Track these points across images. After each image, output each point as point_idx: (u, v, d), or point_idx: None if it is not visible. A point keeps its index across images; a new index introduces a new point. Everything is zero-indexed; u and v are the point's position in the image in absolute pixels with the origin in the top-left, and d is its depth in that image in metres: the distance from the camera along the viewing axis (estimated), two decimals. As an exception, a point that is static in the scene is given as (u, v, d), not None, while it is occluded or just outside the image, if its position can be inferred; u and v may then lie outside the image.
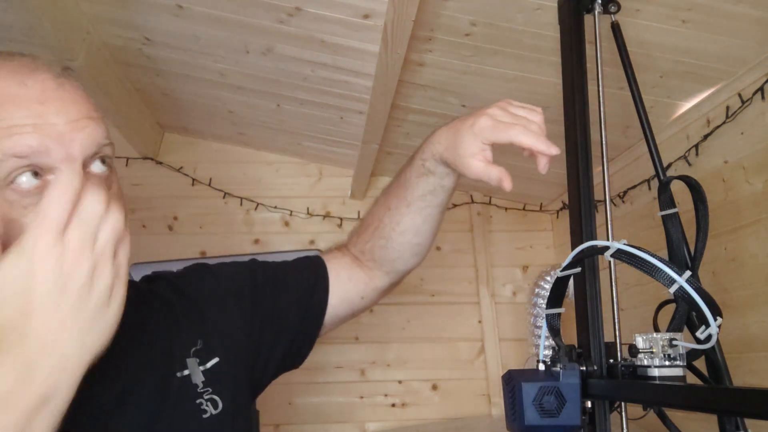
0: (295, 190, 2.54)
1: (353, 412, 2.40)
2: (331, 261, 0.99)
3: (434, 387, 2.44)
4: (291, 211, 2.50)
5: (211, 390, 0.78)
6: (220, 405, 0.78)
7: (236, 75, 1.91)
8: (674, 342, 0.65)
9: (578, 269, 0.73)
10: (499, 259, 2.53)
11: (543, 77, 1.57)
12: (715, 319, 0.58)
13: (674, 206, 0.83)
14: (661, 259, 0.60)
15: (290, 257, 1.02)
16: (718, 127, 1.46)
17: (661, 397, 0.62)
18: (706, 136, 1.51)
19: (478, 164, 0.82)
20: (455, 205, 2.53)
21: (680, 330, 0.74)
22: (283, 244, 2.45)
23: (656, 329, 0.77)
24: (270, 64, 1.79)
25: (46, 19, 1.50)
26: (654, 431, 0.83)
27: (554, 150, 0.77)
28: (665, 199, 0.82)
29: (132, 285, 0.79)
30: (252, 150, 2.56)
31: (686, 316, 0.74)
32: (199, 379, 0.78)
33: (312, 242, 2.48)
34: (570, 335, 0.75)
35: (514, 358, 2.44)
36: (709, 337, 0.59)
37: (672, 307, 0.76)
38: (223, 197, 2.49)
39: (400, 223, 0.94)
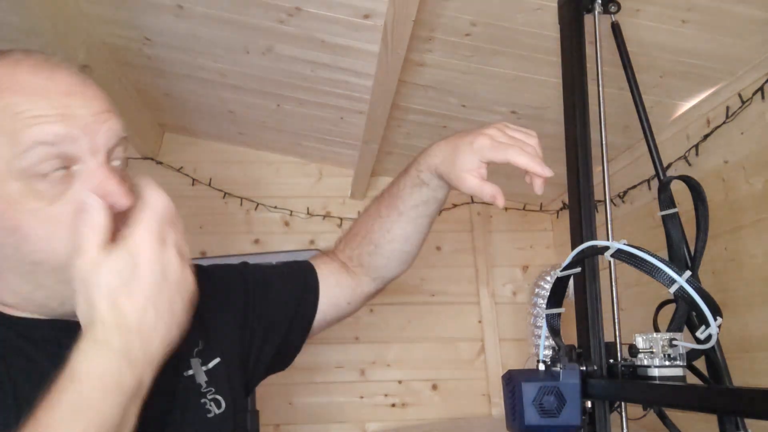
0: (295, 190, 2.54)
1: (353, 412, 2.40)
2: (320, 266, 1.00)
3: (434, 387, 2.44)
4: (291, 211, 2.50)
5: (213, 390, 0.79)
6: (223, 404, 0.79)
7: (236, 75, 1.91)
8: (674, 342, 0.65)
9: (578, 269, 0.73)
10: (499, 259, 2.53)
11: (543, 77, 1.57)
12: (715, 319, 0.58)
13: (674, 206, 0.83)
14: (661, 259, 0.60)
15: (290, 257, 1.03)
16: (718, 127, 1.46)
17: (661, 397, 0.62)
18: (706, 136, 1.51)
19: (473, 180, 0.86)
20: (455, 205, 2.53)
21: (680, 330, 0.73)
22: (283, 244, 2.45)
23: (656, 329, 0.77)
24: (270, 64, 1.79)
25: (46, 19, 1.50)
26: (654, 431, 0.83)
27: (548, 172, 0.82)
28: (665, 199, 0.82)
29: None
30: (252, 150, 2.56)
31: (686, 316, 0.74)
32: (202, 379, 0.79)
33: (312, 242, 2.48)
34: (570, 335, 0.75)
35: (514, 358, 2.44)
36: (709, 337, 0.59)
37: (672, 307, 0.76)
38: (223, 197, 2.49)
39: (390, 231, 0.97)
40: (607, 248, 0.65)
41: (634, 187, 1.85)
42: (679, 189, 0.84)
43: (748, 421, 0.70)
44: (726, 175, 1.45)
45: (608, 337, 0.75)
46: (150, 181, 0.64)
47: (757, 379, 1.34)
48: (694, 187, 0.81)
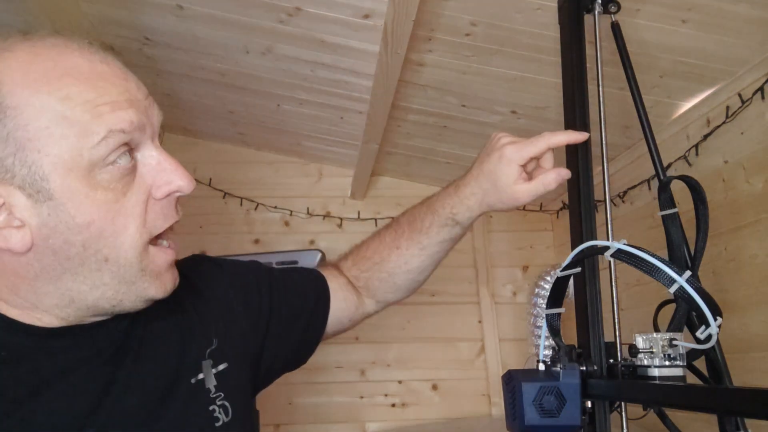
0: (295, 190, 2.54)
1: (353, 412, 2.40)
2: (330, 279, 0.99)
3: (434, 387, 2.44)
4: (291, 211, 2.50)
5: (222, 395, 0.75)
6: (231, 412, 0.75)
7: (236, 75, 1.91)
8: (674, 342, 0.65)
9: (578, 269, 0.73)
10: (499, 259, 2.53)
11: (543, 77, 1.57)
12: (715, 319, 0.58)
13: (674, 206, 0.83)
14: (661, 259, 0.60)
15: (290, 257, 1.03)
16: (718, 127, 1.46)
17: (661, 397, 0.62)
18: (706, 136, 1.50)
19: (527, 186, 0.84)
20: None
21: (680, 330, 0.73)
22: (283, 244, 2.45)
23: (656, 329, 0.77)
24: (270, 64, 1.79)
25: (46, 19, 1.50)
26: (654, 431, 0.83)
27: (585, 134, 0.83)
28: (665, 199, 0.82)
29: None
30: (252, 150, 2.56)
31: (686, 316, 0.74)
32: (211, 383, 0.75)
33: (312, 242, 2.48)
34: (570, 335, 0.75)
35: (514, 358, 2.44)
36: (709, 337, 0.59)
37: (672, 307, 0.76)
38: (223, 197, 2.49)
39: (409, 263, 0.97)
40: (607, 248, 0.65)
41: (634, 187, 1.85)
42: (679, 189, 0.84)
43: (748, 421, 0.70)
44: (726, 175, 1.45)
45: (608, 337, 0.74)
46: None
47: (757, 379, 1.34)
48: (694, 187, 0.81)
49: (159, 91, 2.14)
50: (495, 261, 2.53)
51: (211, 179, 2.50)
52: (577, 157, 0.84)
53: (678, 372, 0.65)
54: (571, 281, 0.76)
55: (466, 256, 2.53)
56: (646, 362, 0.65)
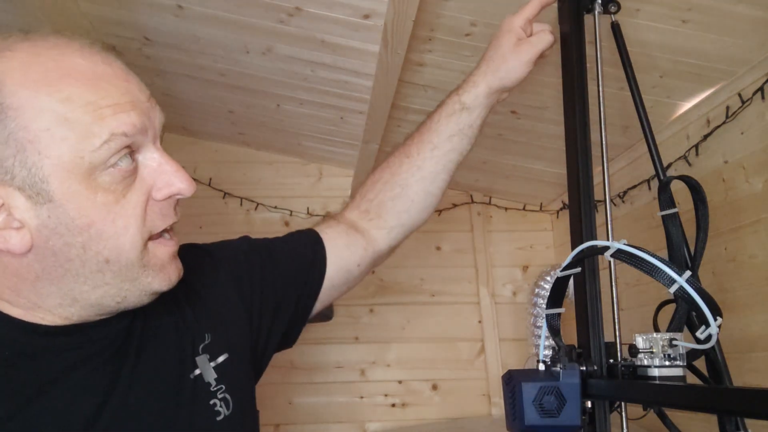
0: (295, 190, 2.54)
1: (353, 412, 2.40)
2: (326, 231, 0.95)
3: (434, 387, 2.44)
4: (291, 211, 2.50)
5: (223, 388, 0.74)
6: (232, 405, 0.74)
7: (236, 75, 1.91)
8: (674, 342, 0.65)
9: (578, 269, 0.73)
10: (499, 259, 2.53)
11: (542, 77, 1.57)
12: (715, 319, 0.58)
13: (674, 206, 0.83)
14: (661, 259, 0.60)
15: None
16: (718, 127, 1.46)
17: (661, 397, 0.62)
18: (706, 136, 1.50)
19: (527, 42, 0.91)
20: (455, 205, 2.53)
21: (680, 330, 0.73)
22: (283, 244, 2.44)
23: (656, 329, 0.77)
24: (270, 64, 1.79)
25: (46, 19, 1.50)
26: (654, 431, 0.83)
27: None
28: (665, 199, 0.82)
29: None
30: (252, 150, 2.56)
31: (686, 316, 0.74)
32: (211, 376, 0.74)
33: (312, 242, 2.48)
34: (570, 335, 0.75)
35: (514, 358, 2.44)
36: (709, 337, 0.59)
37: (672, 307, 0.76)
38: (223, 197, 2.49)
39: (422, 168, 0.95)
40: (607, 248, 0.65)
41: (634, 187, 1.85)
42: (679, 189, 0.84)
43: (748, 421, 0.70)
44: (726, 175, 1.45)
45: (608, 337, 0.74)
46: None
47: (757, 379, 1.34)
48: (694, 187, 0.81)
49: (159, 91, 2.14)
50: (495, 261, 2.53)
51: (211, 179, 2.50)
52: (577, 157, 0.84)
53: (678, 372, 0.65)
54: (571, 281, 0.76)
55: (466, 256, 2.53)
56: (646, 362, 0.65)
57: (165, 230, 0.67)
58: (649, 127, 0.93)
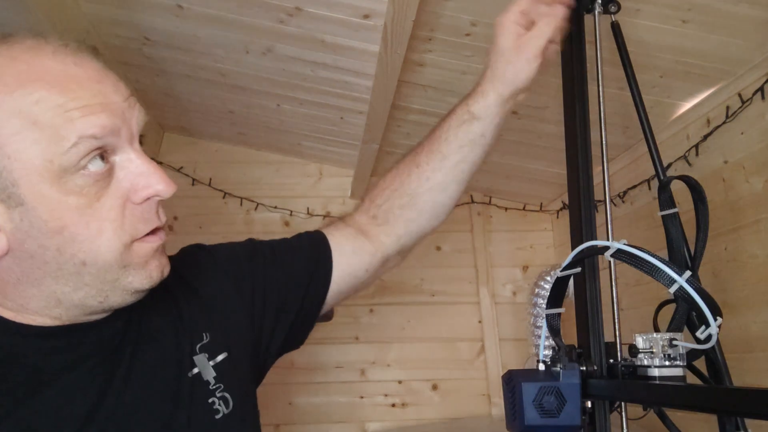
0: (295, 190, 2.54)
1: (353, 412, 2.40)
2: (333, 234, 0.92)
3: (434, 387, 2.44)
4: (291, 211, 2.50)
5: (222, 386, 0.74)
6: (231, 403, 0.74)
7: (236, 75, 1.91)
8: (674, 342, 0.65)
9: (578, 269, 0.73)
10: (499, 259, 2.53)
11: (543, 77, 1.56)
12: (715, 319, 0.58)
13: (674, 206, 0.82)
14: (661, 259, 0.60)
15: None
16: (718, 127, 1.46)
17: (661, 397, 0.62)
18: (706, 136, 1.50)
19: (529, 34, 0.86)
20: (455, 205, 2.53)
21: (680, 330, 0.73)
22: (283, 244, 2.44)
23: (656, 329, 0.77)
24: (270, 64, 1.79)
25: (46, 19, 1.50)
26: (654, 431, 0.83)
27: None
28: (665, 199, 0.82)
29: None
30: (252, 150, 2.56)
31: (686, 316, 0.74)
32: (210, 374, 0.73)
33: (312, 242, 2.48)
34: (570, 335, 0.75)
35: (514, 358, 2.44)
36: (709, 337, 0.59)
37: (672, 307, 0.76)
38: (223, 197, 2.49)
39: (430, 179, 0.91)
40: (607, 248, 0.65)
41: (634, 187, 1.85)
42: (679, 189, 0.84)
43: (748, 421, 0.70)
44: (726, 175, 1.44)
45: (608, 337, 0.74)
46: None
47: (757, 379, 1.34)
48: (694, 187, 0.81)
49: (159, 91, 2.14)
50: (495, 261, 2.53)
51: (211, 179, 2.50)
52: (577, 157, 0.84)
53: (678, 372, 0.65)
54: (571, 281, 0.76)
55: (466, 256, 2.53)
56: (646, 362, 0.65)
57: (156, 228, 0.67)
58: (649, 127, 0.92)
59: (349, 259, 0.91)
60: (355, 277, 0.91)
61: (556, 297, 0.74)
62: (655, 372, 0.64)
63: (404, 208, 0.92)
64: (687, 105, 1.58)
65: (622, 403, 0.73)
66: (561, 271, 0.72)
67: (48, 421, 0.62)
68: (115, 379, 0.67)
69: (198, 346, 0.74)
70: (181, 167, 2.49)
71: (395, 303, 2.45)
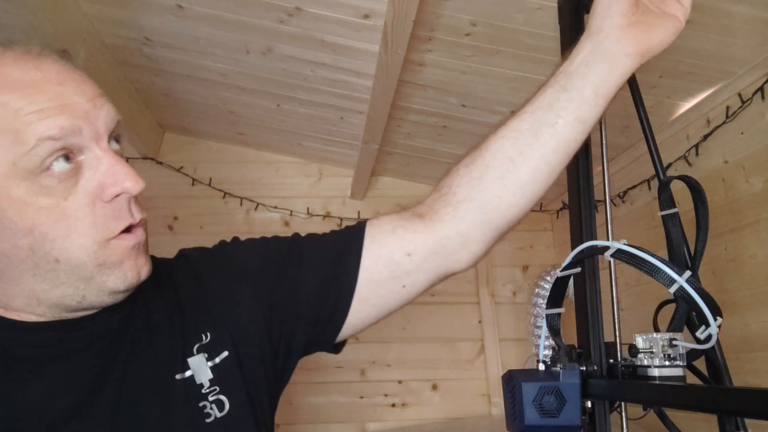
0: (295, 190, 2.54)
1: (353, 412, 2.40)
2: (378, 219, 0.81)
3: (434, 387, 2.44)
4: (291, 211, 2.50)
5: (218, 389, 0.72)
6: (227, 406, 0.71)
7: (236, 75, 1.91)
8: (674, 342, 0.65)
9: (578, 269, 0.73)
10: (499, 259, 2.53)
11: (543, 77, 1.56)
12: (715, 319, 0.58)
13: (674, 206, 0.82)
14: (661, 259, 0.60)
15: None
16: (718, 127, 1.46)
17: (661, 397, 0.62)
18: (706, 136, 1.50)
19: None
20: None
21: (680, 330, 0.73)
22: (283, 244, 2.44)
23: (656, 329, 0.77)
24: (270, 64, 1.79)
25: (46, 19, 1.50)
26: (654, 431, 0.83)
27: None
28: (665, 199, 0.82)
29: (153, 270, 0.74)
30: (252, 150, 2.56)
31: (686, 316, 0.74)
32: (205, 377, 0.71)
33: (312, 242, 2.48)
34: (570, 335, 0.75)
35: (514, 358, 2.44)
36: (709, 337, 0.59)
37: (672, 307, 0.76)
38: (223, 197, 2.49)
39: (507, 137, 0.77)
40: (607, 248, 0.65)
41: (634, 187, 1.85)
42: (679, 189, 0.84)
43: (748, 421, 0.69)
44: (726, 175, 1.45)
45: (608, 337, 0.74)
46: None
47: (757, 379, 1.34)
48: (694, 187, 0.80)
49: (159, 91, 2.14)
50: (495, 261, 2.53)
51: (211, 179, 2.50)
52: (577, 157, 0.84)
53: (678, 372, 0.65)
54: (571, 281, 0.76)
55: (466, 256, 2.52)
56: (646, 362, 0.65)
57: (130, 227, 0.67)
58: (649, 127, 0.92)
59: (385, 239, 0.77)
60: (391, 262, 0.77)
61: (556, 297, 0.74)
62: (655, 372, 0.64)
63: (470, 165, 0.76)
64: (687, 105, 1.58)
65: (622, 403, 0.73)
66: (561, 271, 0.72)
67: (29, 412, 0.63)
68: (111, 377, 0.67)
69: (196, 347, 0.73)
70: (181, 167, 2.49)
71: (395, 303, 2.45)
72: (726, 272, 1.44)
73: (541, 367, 0.70)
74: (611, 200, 0.86)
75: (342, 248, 0.79)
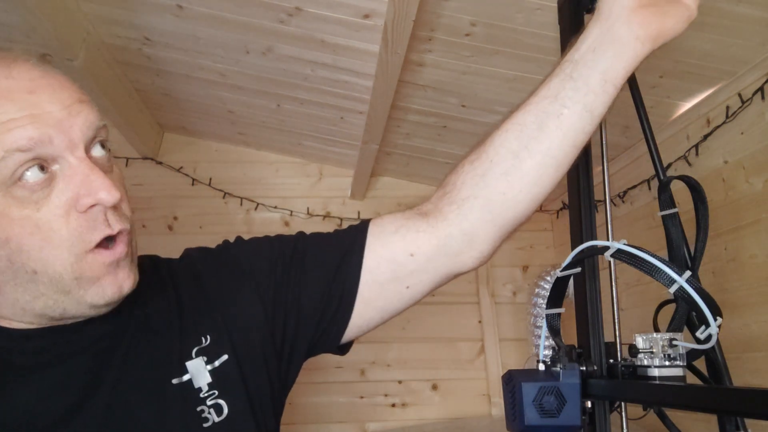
0: (295, 190, 2.54)
1: (353, 412, 2.40)
2: (382, 218, 0.79)
3: (434, 387, 2.44)
4: (291, 211, 2.50)
5: (217, 393, 0.70)
6: (225, 411, 0.70)
7: (236, 75, 1.91)
8: (674, 342, 0.65)
9: (578, 269, 0.73)
10: (499, 259, 2.53)
11: (543, 77, 1.57)
12: (715, 319, 0.58)
13: (674, 206, 0.82)
14: (661, 259, 0.60)
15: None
16: (718, 127, 1.46)
17: (661, 397, 0.62)
18: (706, 136, 1.50)
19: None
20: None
21: (680, 330, 0.73)
22: (283, 244, 2.45)
23: (656, 329, 0.77)
24: (270, 64, 1.79)
25: (46, 19, 1.50)
26: (654, 431, 0.83)
27: None
28: (665, 199, 0.82)
29: (154, 272, 0.75)
30: (252, 150, 2.56)
31: (686, 316, 0.74)
32: (204, 381, 0.70)
33: (312, 242, 2.48)
34: (570, 335, 0.75)
35: (514, 358, 2.44)
36: (709, 337, 0.59)
37: (672, 307, 0.76)
38: (223, 197, 2.49)
39: (510, 131, 0.74)
40: (607, 248, 0.65)
41: (634, 187, 1.85)
42: (679, 189, 0.84)
43: (748, 421, 0.69)
44: (726, 175, 1.44)
45: (608, 337, 0.74)
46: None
47: (757, 379, 1.34)
48: (694, 187, 0.80)
49: (159, 91, 2.14)
50: (495, 261, 2.53)
51: (211, 179, 2.50)
52: (577, 157, 0.84)
53: (678, 372, 0.65)
54: (571, 281, 0.76)
55: (466, 256, 2.52)
56: (646, 362, 0.65)
57: (112, 238, 0.65)
58: (649, 127, 0.92)
59: (387, 239, 0.76)
60: (394, 262, 0.76)
61: (556, 297, 0.74)
62: (655, 372, 0.64)
63: (475, 161, 0.74)
64: (687, 105, 1.58)
65: (622, 403, 0.73)
66: (561, 271, 0.72)
67: (21, 419, 0.63)
68: (104, 381, 0.66)
69: (195, 350, 0.72)
70: (181, 167, 2.49)
71: (395, 303, 2.45)
72: (726, 272, 1.44)
73: (541, 367, 0.70)
74: (611, 200, 0.86)
75: (345, 249, 0.77)
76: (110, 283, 0.65)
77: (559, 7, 0.99)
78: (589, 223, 0.80)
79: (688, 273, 0.59)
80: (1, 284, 0.63)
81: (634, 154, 1.86)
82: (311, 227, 2.52)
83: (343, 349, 0.84)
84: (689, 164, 1.57)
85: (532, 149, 0.71)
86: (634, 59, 0.68)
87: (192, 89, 2.09)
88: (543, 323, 0.75)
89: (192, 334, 0.73)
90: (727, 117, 1.42)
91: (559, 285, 0.73)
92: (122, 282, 0.66)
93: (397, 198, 2.52)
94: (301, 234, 0.84)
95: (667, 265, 0.60)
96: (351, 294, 0.77)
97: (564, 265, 0.71)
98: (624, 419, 0.73)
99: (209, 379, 0.71)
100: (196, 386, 0.70)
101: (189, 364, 0.71)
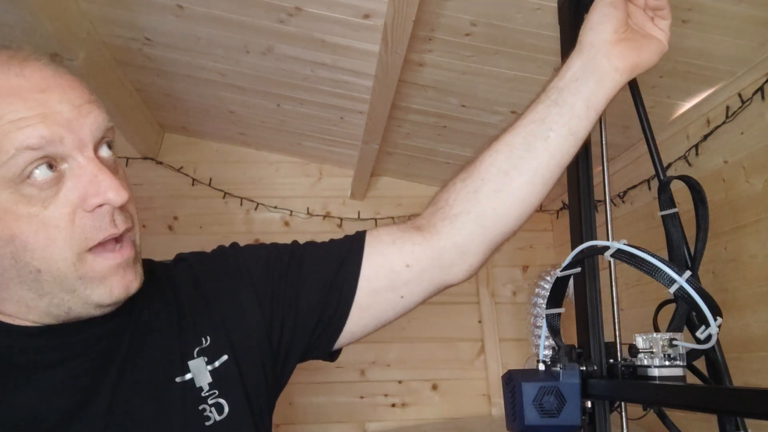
0: (295, 190, 2.54)
1: (353, 412, 2.40)
2: (378, 229, 0.82)
3: (434, 387, 2.44)
4: (291, 211, 2.50)
5: (217, 393, 0.71)
6: (226, 410, 0.71)
7: (236, 75, 1.91)
8: (674, 342, 0.65)
9: (578, 269, 0.73)
10: (499, 259, 2.54)
11: (543, 77, 1.57)
12: (715, 319, 0.58)
13: (674, 206, 0.82)
14: (661, 259, 0.60)
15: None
16: (718, 127, 1.46)
17: (661, 397, 0.62)
18: (706, 136, 1.51)
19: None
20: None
21: (680, 330, 0.73)
22: (283, 244, 2.45)
23: (656, 329, 0.77)
24: (270, 64, 1.79)
25: (46, 19, 1.50)
26: (654, 431, 0.83)
27: None
28: (665, 199, 0.82)
29: (151, 274, 0.75)
30: (252, 150, 2.56)
31: (686, 316, 0.74)
32: (205, 380, 0.71)
33: (312, 242, 2.48)
34: (570, 335, 0.75)
35: (514, 358, 2.44)
36: (709, 337, 0.59)
37: (672, 307, 0.76)
38: (223, 197, 2.49)
39: (500, 151, 0.77)
40: (607, 248, 0.65)
41: (634, 187, 1.85)
42: (679, 189, 0.84)
43: (748, 421, 0.69)
44: (726, 175, 1.45)
45: (608, 337, 0.74)
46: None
47: (757, 379, 1.34)
48: (694, 187, 0.80)
49: (159, 91, 2.14)
50: (495, 261, 2.53)
51: (211, 179, 2.50)
52: (577, 157, 0.84)
53: (678, 372, 0.65)
54: (571, 281, 0.76)
55: (466, 256, 2.52)
56: (646, 362, 0.65)
57: (115, 240, 0.65)
58: (649, 127, 0.92)
59: (385, 249, 0.79)
60: (391, 271, 0.79)
61: (556, 297, 0.74)
62: (655, 372, 0.64)
63: (467, 179, 0.78)
64: (687, 105, 1.58)
65: (622, 403, 0.73)
66: (561, 271, 0.72)
67: (22, 418, 0.63)
68: (105, 381, 0.67)
69: (196, 350, 0.73)
70: (181, 167, 2.49)
71: (395, 303, 2.45)
72: (726, 272, 1.44)
73: (541, 367, 0.70)
74: (611, 200, 0.86)
75: (342, 256, 0.80)
76: (118, 283, 0.65)
77: (559, 7, 0.99)
78: (589, 223, 0.80)
79: (688, 273, 0.59)
80: (6, 281, 0.63)
81: (634, 154, 1.86)
82: (311, 227, 2.53)
83: (333, 356, 0.86)
84: (689, 164, 1.57)
85: (522, 168, 0.76)
86: (614, 88, 0.76)
87: (192, 89, 2.09)
88: (543, 323, 0.75)
89: (192, 335, 0.74)
90: (727, 117, 1.42)
91: (559, 285, 0.73)
92: (129, 282, 0.67)
93: (397, 198, 2.52)
94: (295, 242, 0.86)
95: (667, 265, 0.60)
96: (348, 300, 0.79)
97: (564, 265, 0.71)
98: (624, 419, 0.73)
99: (210, 379, 0.72)
100: (198, 385, 0.71)
101: (191, 363, 0.72)
